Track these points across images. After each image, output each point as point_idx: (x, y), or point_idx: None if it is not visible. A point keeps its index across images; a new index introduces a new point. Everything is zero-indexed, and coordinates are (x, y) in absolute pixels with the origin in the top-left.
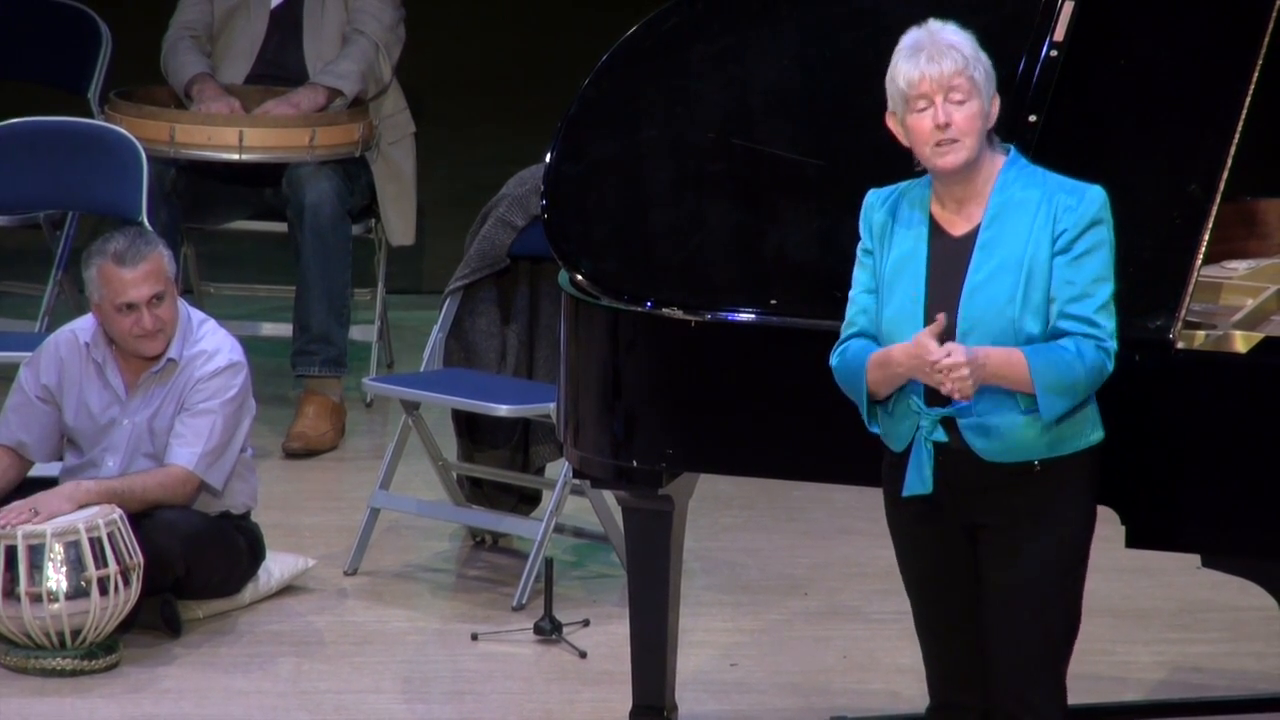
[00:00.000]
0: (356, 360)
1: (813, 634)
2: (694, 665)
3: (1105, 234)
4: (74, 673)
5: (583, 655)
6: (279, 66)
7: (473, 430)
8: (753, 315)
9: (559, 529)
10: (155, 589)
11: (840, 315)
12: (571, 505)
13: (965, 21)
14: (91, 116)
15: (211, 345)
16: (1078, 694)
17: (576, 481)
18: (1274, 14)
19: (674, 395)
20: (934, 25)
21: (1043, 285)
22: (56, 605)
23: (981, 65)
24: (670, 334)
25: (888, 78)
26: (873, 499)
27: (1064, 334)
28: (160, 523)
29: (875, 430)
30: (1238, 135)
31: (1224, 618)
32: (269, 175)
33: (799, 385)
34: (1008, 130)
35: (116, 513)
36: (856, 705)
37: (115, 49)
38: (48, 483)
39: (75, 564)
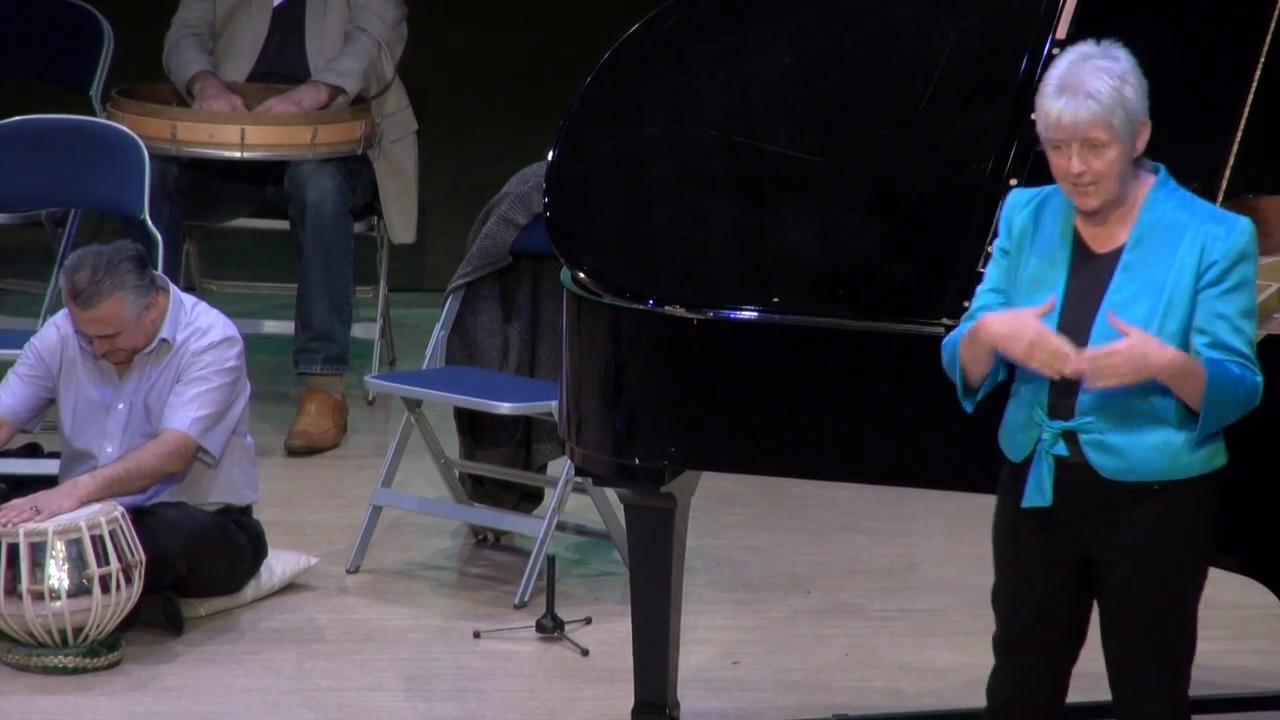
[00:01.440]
0: (358, 358)
1: (814, 632)
2: (696, 663)
3: (1253, 268)
4: (76, 670)
5: (585, 653)
6: (281, 64)
7: (475, 428)
8: (755, 313)
9: (561, 527)
10: (157, 587)
11: (841, 313)
12: (573, 503)
13: (968, 18)
14: (93, 114)
15: (205, 323)
16: (1079, 692)
17: (578, 479)
18: (1276, 11)
19: (676, 393)
20: (1089, 59)
21: (1181, 312)
22: (58, 603)
23: (1122, 109)
24: (672, 332)
25: (1039, 91)
26: (875, 497)
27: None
28: (162, 521)
29: (967, 408)
30: (1239, 133)
31: (1226, 615)
32: (271, 173)
33: (801, 383)
34: (1009, 129)
35: (119, 510)
36: (858, 703)
37: (117, 46)
38: (49, 481)
39: (77, 561)
